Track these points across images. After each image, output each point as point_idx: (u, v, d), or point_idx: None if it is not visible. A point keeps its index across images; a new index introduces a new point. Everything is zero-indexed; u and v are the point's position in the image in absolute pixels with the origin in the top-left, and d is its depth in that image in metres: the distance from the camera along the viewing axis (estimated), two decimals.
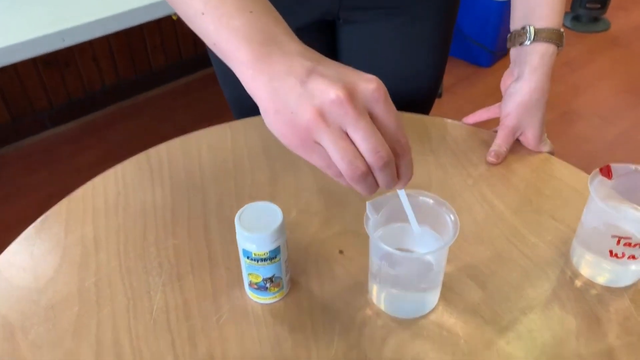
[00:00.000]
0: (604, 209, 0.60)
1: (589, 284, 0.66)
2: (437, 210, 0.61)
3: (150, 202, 0.78)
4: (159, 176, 0.83)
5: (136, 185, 0.81)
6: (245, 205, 0.61)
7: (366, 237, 0.61)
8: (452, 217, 0.59)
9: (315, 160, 0.48)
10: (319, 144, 0.47)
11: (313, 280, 0.68)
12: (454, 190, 0.79)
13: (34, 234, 0.74)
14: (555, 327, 0.62)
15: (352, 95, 0.46)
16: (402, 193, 0.55)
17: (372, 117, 0.47)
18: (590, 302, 0.64)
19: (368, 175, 0.48)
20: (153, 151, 0.87)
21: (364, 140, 0.47)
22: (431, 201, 0.61)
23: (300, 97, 0.46)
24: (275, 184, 0.81)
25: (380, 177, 0.49)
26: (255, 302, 0.65)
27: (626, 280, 0.65)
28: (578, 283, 0.66)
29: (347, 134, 0.47)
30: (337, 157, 0.47)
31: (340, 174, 0.48)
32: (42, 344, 0.61)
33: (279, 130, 0.48)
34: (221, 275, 0.68)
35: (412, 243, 0.63)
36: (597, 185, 0.63)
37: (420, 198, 0.62)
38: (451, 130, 0.90)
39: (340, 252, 0.71)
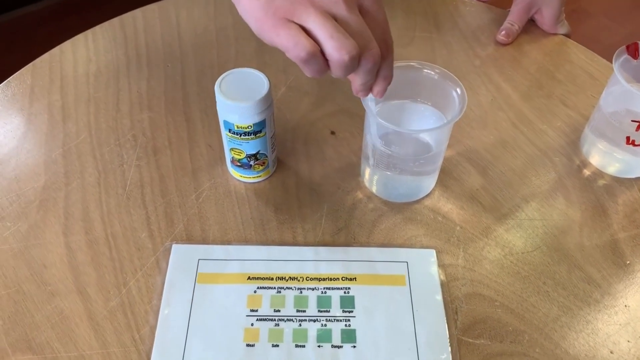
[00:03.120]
0: (629, 90, 0.54)
1: (598, 173, 0.62)
2: (441, 84, 0.54)
3: (124, 71, 0.71)
4: (134, 44, 0.74)
5: (108, 52, 0.73)
6: (227, 72, 0.54)
7: (360, 119, 0.55)
8: (459, 91, 0.52)
9: (281, 37, 0.40)
10: (293, 22, 0.40)
11: (301, 161, 0.62)
12: (459, 71, 0.72)
13: None
14: (559, 217, 0.58)
15: None
16: (372, 100, 0.50)
17: (362, 12, 0.42)
18: (597, 192, 0.60)
19: (354, 61, 0.41)
20: (128, 17, 0.78)
21: (354, 33, 0.41)
22: (435, 75, 0.55)
23: None
24: (262, 56, 0.73)
25: (363, 74, 0.43)
26: (238, 180, 0.60)
27: (638, 171, 0.61)
28: (586, 172, 0.62)
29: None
30: (326, 34, 0.40)
31: (304, 57, 0.40)
32: (5, 216, 0.56)
33: (253, 13, 0.41)
34: (201, 152, 0.62)
35: (412, 122, 0.57)
36: (621, 65, 0.57)
37: (424, 71, 0.55)
38: (460, 6, 0.81)
39: (332, 132, 0.65)
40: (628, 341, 0.50)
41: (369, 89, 0.45)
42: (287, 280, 0.52)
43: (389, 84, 0.46)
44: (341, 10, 0.41)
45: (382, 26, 0.43)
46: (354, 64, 0.41)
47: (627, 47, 0.57)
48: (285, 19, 0.40)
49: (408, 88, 0.56)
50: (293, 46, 0.40)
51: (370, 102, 0.52)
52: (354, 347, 0.48)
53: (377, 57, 0.42)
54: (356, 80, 0.44)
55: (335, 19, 0.41)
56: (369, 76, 0.43)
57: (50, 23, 1.94)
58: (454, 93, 0.53)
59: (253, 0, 0.41)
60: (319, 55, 0.40)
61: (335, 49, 0.40)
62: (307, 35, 0.40)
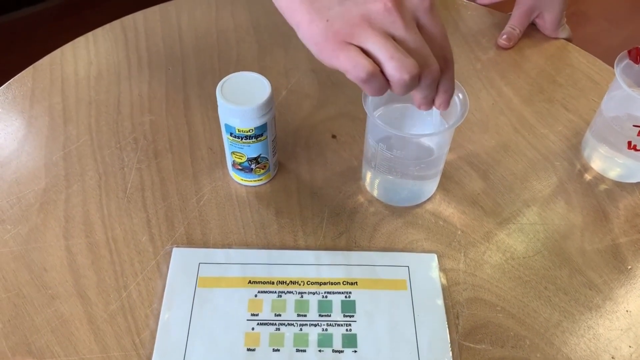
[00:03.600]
0: (630, 95, 0.54)
1: (599, 178, 0.62)
2: None
3: (125, 74, 0.71)
4: (135, 47, 0.74)
5: (109, 55, 0.73)
6: (229, 75, 0.54)
7: (362, 122, 0.55)
8: (461, 96, 0.52)
9: (341, 60, 0.41)
10: (352, 45, 0.41)
11: (303, 164, 0.62)
12: (460, 75, 0.72)
13: None
14: (560, 221, 0.58)
15: (399, 3, 0.41)
16: (436, 113, 0.50)
17: (419, 28, 0.43)
18: (598, 196, 0.60)
19: (415, 80, 0.41)
20: (129, 19, 0.78)
21: (413, 51, 0.41)
22: None
23: (341, 6, 0.41)
24: (264, 60, 0.73)
25: (423, 91, 0.44)
26: (239, 183, 0.60)
27: (639, 176, 0.61)
28: (587, 177, 0.62)
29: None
30: (386, 55, 0.40)
31: (364, 78, 0.41)
32: (5, 219, 0.56)
33: (313, 38, 0.42)
34: (202, 155, 0.62)
35: (414, 125, 0.57)
36: (622, 70, 0.57)
37: None
38: (461, 10, 0.82)
39: (333, 136, 0.65)
40: (630, 346, 0.50)
41: (430, 102, 0.46)
42: (288, 284, 0.52)
43: (451, 96, 0.46)
44: (399, 30, 0.41)
45: (440, 41, 0.43)
46: (414, 82, 0.41)
47: (629, 52, 0.57)
48: (345, 42, 0.40)
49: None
50: (352, 67, 0.40)
51: (370, 108, 0.52)
52: (355, 351, 0.48)
53: (436, 74, 0.43)
54: (417, 95, 0.45)
55: (393, 38, 0.41)
56: (429, 91, 0.44)
57: (50, 24, 1.94)
58: (456, 98, 0.53)
59: (312, 26, 0.41)
60: (379, 74, 0.41)
61: (396, 69, 0.40)
62: (366, 56, 0.40)
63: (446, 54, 0.44)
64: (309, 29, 0.42)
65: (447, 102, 0.46)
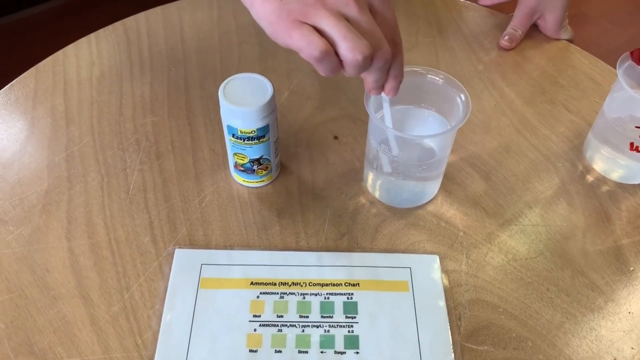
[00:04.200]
0: (632, 96, 0.54)
1: (601, 179, 0.61)
2: (445, 90, 0.54)
3: (127, 75, 0.71)
4: (137, 48, 0.74)
5: (112, 56, 0.73)
6: (231, 76, 0.54)
7: (364, 123, 0.55)
8: (463, 97, 0.52)
9: (294, 39, 0.41)
10: (306, 24, 0.41)
11: (304, 165, 0.62)
12: (462, 76, 0.72)
13: None
14: (562, 223, 0.58)
15: None
16: (385, 100, 0.50)
17: (372, 12, 0.43)
18: (600, 198, 0.60)
19: (367, 61, 0.41)
20: (131, 20, 0.78)
21: (365, 33, 0.41)
22: (440, 81, 0.55)
23: None
24: (265, 61, 0.73)
25: (375, 72, 0.44)
26: (241, 185, 0.60)
27: None
28: (589, 178, 0.62)
29: None
30: (340, 35, 0.40)
31: (318, 56, 0.41)
32: (8, 220, 0.56)
33: (266, 17, 0.42)
34: (204, 157, 0.62)
35: (416, 127, 0.57)
36: (625, 71, 0.57)
37: (429, 77, 0.55)
38: (463, 12, 0.82)
39: (335, 137, 0.65)
40: (632, 348, 0.50)
41: (381, 87, 0.46)
42: (290, 285, 0.52)
43: (400, 82, 0.47)
44: (352, 11, 0.41)
45: (391, 26, 0.44)
46: (366, 63, 0.41)
47: (632, 53, 0.56)
48: (298, 21, 0.41)
49: (412, 93, 0.56)
50: (306, 45, 0.40)
51: (371, 109, 0.52)
52: (357, 353, 0.48)
53: (388, 56, 0.43)
54: (368, 79, 0.45)
55: (347, 19, 0.41)
56: (380, 74, 0.44)
57: (51, 25, 1.94)
58: (458, 99, 0.53)
59: (266, 5, 0.41)
60: (333, 54, 0.41)
61: (349, 49, 0.40)
62: (320, 35, 0.40)
63: (396, 39, 0.45)
64: (263, 8, 0.42)
65: (397, 88, 0.46)
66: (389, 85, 0.46)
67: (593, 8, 2.37)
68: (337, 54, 0.41)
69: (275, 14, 0.41)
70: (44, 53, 0.73)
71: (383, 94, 0.47)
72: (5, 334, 0.49)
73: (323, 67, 0.41)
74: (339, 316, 0.50)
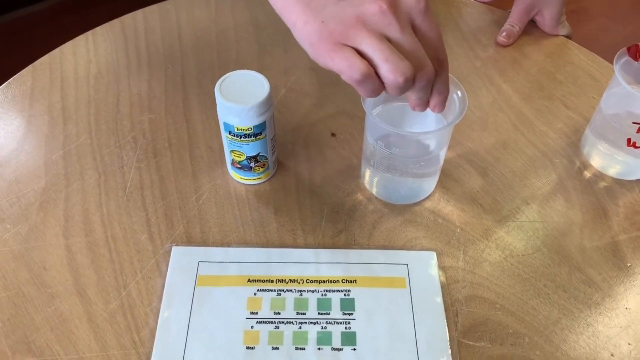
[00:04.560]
0: (630, 92, 0.54)
1: (599, 175, 0.61)
2: None
3: (125, 73, 0.71)
4: (134, 46, 0.74)
5: (109, 54, 0.73)
6: (227, 74, 0.54)
7: (361, 120, 0.55)
8: (460, 94, 0.52)
9: (336, 61, 0.41)
10: (348, 46, 0.41)
11: (302, 162, 0.62)
12: (460, 73, 0.72)
13: None
14: (559, 219, 0.58)
15: (394, 5, 0.41)
16: (432, 115, 0.50)
17: (415, 30, 0.43)
18: (598, 194, 0.60)
19: (409, 82, 0.41)
20: (128, 18, 0.78)
21: (407, 53, 0.41)
22: None
23: (336, 6, 0.41)
24: (263, 58, 0.73)
25: (418, 92, 0.44)
26: (239, 182, 0.60)
27: (639, 173, 0.61)
28: (587, 174, 0.62)
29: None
30: (381, 57, 0.40)
31: (358, 79, 0.41)
32: (5, 218, 0.56)
33: (308, 38, 0.42)
34: (202, 154, 0.62)
35: (412, 124, 0.57)
36: (622, 67, 0.56)
37: None
38: (460, 8, 0.81)
39: (332, 134, 0.65)
40: (629, 344, 0.50)
41: (425, 104, 0.46)
42: (287, 282, 0.52)
43: (446, 98, 0.46)
44: (394, 31, 0.41)
45: (434, 43, 0.43)
46: (408, 84, 0.41)
47: (628, 49, 0.56)
48: (340, 43, 0.40)
49: None
50: (347, 68, 0.40)
51: (368, 106, 0.52)
52: (354, 349, 0.48)
53: (430, 76, 0.42)
54: (411, 97, 0.45)
55: (388, 40, 0.41)
56: (423, 93, 0.44)
57: (49, 24, 1.94)
58: (455, 95, 0.53)
59: (307, 26, 0.41)
60: (374, 76, 0.41)
61: (390, 71, 0.40)
62: (361, 58, 0.40)
63: (440, 56, 0.44)
64: (304, 29, 0.42)
65: (442, 104, 0.46)
66: (434, 101, 0.46)
67: (593, 4, 2.36)
68: (378, 75, 0.41)
69: (317, 35, 0.41)
70: (43, 51, 0.73)
71: (428, 109, 0.47)
72: (2, 332, 0.49)
73: (364, 89, 0.41)
74: (336, 313, 0.50)
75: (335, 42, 0.40)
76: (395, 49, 0.40)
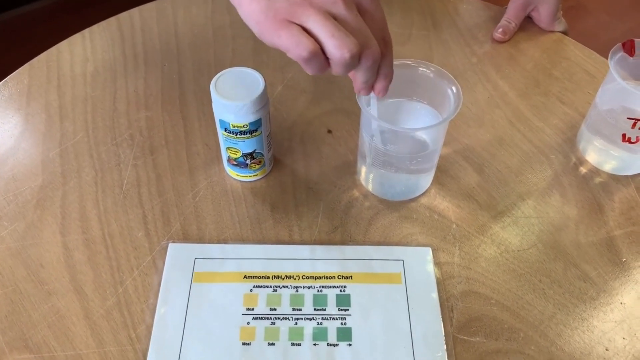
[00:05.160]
0: (624, 87, 0.54)
1: (594, 171, 0.62)
2: (437, 83, 0.54)
3: (121, 70, 0.71)
4: (131, 43, 0.74)
5: (106, 52, 0.73)
6: (223, 71, 0.54)
7: (357, 117, 0.55)
8: (454, 90, 0.52)
9: (282, 39, 0.41)
10: (294, 23, 0.41)
11: (298, 159, 0.62)
12: (456, 69, 0.72)
13: None
14: (555, 214, 0.58)
15: None
16: (374, 100, 0.50)
17: (360, 11, 0.43)
18: (593, 189, 0.60)
19: (355, 59, 0.41)
20: (125, 16, 0.78)
21: (353, 31, 0.41)
22: (431, 74, 0.55)
23: None
24: (259, 55, 0.73)
25: (364, 72, 0.43)
26: (235, 179, 0.60)
27: (635, 168, 0.61)
28: (583, 170, 0.62)
29: None
30: (327, 33, 0.40)
31: (306, 57, 0.40)
32: (2, 215, 0.56)
33: (253, 16, 0.42)
34: (198, 151, 0.63)
35: (408, 120, 0.58)
36: (617, 62, 0.57)
37: (420, 69, 0.55)
38: (457, 4, 0.81)
39: (329, 131, 0.65)
40: (623, 338, 0.50)
41: (370, 87, 0.46)
42: (283, 278, 0.52)
43: (390, 81, 0.46)
44: (340, 9, 0.41)
45: (380, 24, 0.44)
46: (354, 61, 0.41)
47: (623, 45, 0.56)
48: (286, 20, 0.40)
49: (404, 86, 0.56)
50: (294, 46, 0.40)
51: (364, 103, 0.52)
52: (350, 345, 0.49)
53: (377, 55, 0.42)
54: (357, 79, 0.45)
55: (334, 18, 0.41)
56: (370, 74, 0.44)
57: (47, 22, 1.94)
58: (449, 91, 0.53)
59: (253, 4, 0.41)
60: (320, 54, 0.41)
61: (337, 47, 0.40)
62: (308, 35, 0.40)
63: (386, 37, 0.44)
64: (250, 7, 0.42)
65: (386, 88, 0.46)
66: (379, 85, 0.46)
67: (591, 0, 2.36)
68: (324, 52, 0.41)
69: (262, 13, 0.41)
70: (41, 50, 0.73)
71: (372, 93, 0.47)
72: None
73: (311, 67, 0.41)
74: (331, 309, 0.51)
75: (281, 20, 0.40)
76: (341, 26, 0.40)
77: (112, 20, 0.77)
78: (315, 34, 0.40)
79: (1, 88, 0.68)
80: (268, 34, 0.41)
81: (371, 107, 0.51)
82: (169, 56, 0.73)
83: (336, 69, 0.42)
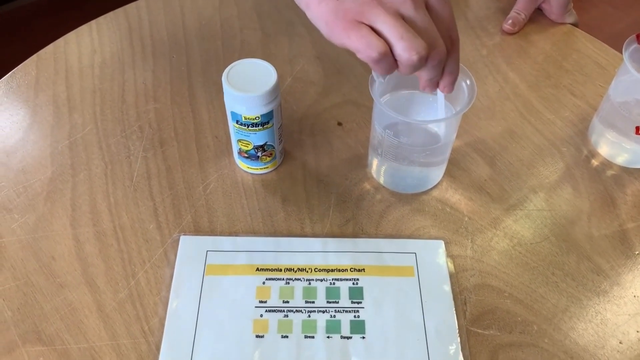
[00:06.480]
0: (639, 80, 0.53)
1: (606, 164, 0.61)
2: None
3: (129, 62, 0.70)
4: (139, 35, 0.74)
5: (113, 43, 0.73)
6: (235, 62, 0.53)
7: (368, 109, 0.55)
8: (468, 82, 0.52)
9: (352, 40, 0.41)
10: (363, 24, 0.41)
11: (309, 152, 0.62)
12: (466, 61, 0.71)
13: (0, 93, 0.67)
14: (567, 207, 0.58)
15: None
16: (441, 96, 0.50)
17: (428, 9, 0.43)
18: (605, 182, 0.60)
19: (423, 61, 0.41)
20: (132, 7, 0.78)
21: (421, 31, 0.41)
22: None
23: None
24: (267, 46, 0.73)
25: (430, 71, 0.44)
26: (246, 172, 0.60)
27: None
28: (594, 163, 0.62)
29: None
30: (396, 35, 0.40)
31: (376, 58, 0.41)
32: (12, 208, 0.56)
33: (323, 17, 0.42)
34: (208, 143, 0.62)
35: (421, 112, 0.57)
36: (631, 54, 0.56)
37: None
38: None
39: (339, 123, 0.65)
40: (637, 331, 0.50)
41: (435, 84, 0.46)
42: (296, 271, 0.52)
43: (456, 78, 0.46)
44: (409, 9, 0.41)
45: (447, 23, 0.44)
46: (422, 63, 0.41)
47: (637, 37, 0.56)
48: (355, 20, 0.41)
49: (417, 78, 0.55)
50: (365, 47, 0.40)
51: (376, 94, 0.51)
52: (363, 337, 0.48)
53: (443, 55, 0.43)
54: (423, 76, 0.45)
55: (403, 18, 0.41)
56: (435, 72, 0.44)
57: (51, 13, 1.93)
58: (463, 84, 0.52)
59: (322, 5, 0.41)
60: (390, 55, 0.41)
61: (405, 49, 0.40)
62: (378, 36, 0.40)
63: (453, 35, 0.44)
64: (319, 8, 0.42)
65: (452, 85, 0.46)
66: (444, 82, 0.46)
67: None
68: (392, 53, 0.41)
69: (332, 13, 0.41)
70: (46, 41, 0.73)
71: (438, 90, 0.47)
72: (12, 321, 0.49)
73: (380, 67, 0.41)
74: (344, 301, 0.50)
75: (350, 20, 0.40)
76: (410, 27, 0.40)
77: (119, 11, 0.77)
78: (385, 35, 0.40)
79: (9, 80, 0.68)
80: (337, 35, 0.41)
81: (438, 104, 0.51)
82: (177, 47, 0.72)
83: (404, 70, 0.42)
